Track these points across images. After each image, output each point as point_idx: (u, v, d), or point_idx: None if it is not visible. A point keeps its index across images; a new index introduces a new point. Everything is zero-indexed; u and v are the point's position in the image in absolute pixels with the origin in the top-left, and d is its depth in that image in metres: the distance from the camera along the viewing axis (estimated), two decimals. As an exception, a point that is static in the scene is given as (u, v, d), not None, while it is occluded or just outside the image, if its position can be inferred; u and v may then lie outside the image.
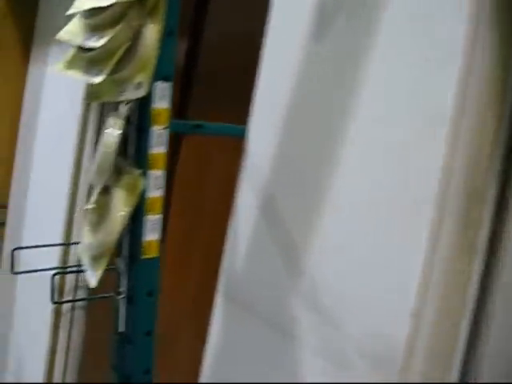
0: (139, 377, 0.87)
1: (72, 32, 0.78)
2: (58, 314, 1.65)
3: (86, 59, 0.77)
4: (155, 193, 0.82)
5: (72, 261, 1.63)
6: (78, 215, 1.61)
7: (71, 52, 0.80)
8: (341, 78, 0.82)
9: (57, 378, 1.68)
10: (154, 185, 0.82)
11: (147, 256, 0.84)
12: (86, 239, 0.82)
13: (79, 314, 1.68)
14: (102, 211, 0.80)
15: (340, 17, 0.81)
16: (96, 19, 0.75)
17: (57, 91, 1.70)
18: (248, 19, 1.17)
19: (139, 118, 0.81)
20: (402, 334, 0.72)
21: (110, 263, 0.82)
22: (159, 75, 0.79)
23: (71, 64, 0.79)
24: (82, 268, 0.89)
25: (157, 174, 0.82)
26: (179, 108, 1.26)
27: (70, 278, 1.64)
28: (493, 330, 0.73)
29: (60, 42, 0.81)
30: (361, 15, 0.79)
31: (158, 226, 0.84)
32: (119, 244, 0.83)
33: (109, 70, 0.74)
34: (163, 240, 0.85)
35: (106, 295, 1.16)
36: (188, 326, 1.25)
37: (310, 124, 0.87)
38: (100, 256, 0.80)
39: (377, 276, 0.77)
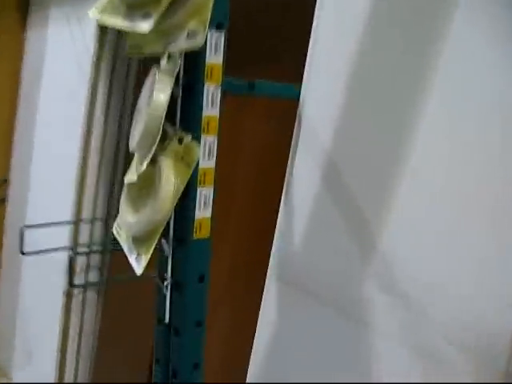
0: (187, 372, 0.76)
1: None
2: (69, 297, 1.53)
3: (128, 3, 0.64)
4: (208, 162, 0.70)
5: (83, 239, 1.50)
6: (89, 190, 1.49)
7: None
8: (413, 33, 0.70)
9: (69, 368, 1.57)
10: (207, 152, 0.70)
11: (199, 236, 0.72)
12: (128, 218, 0.70)
13: (92, 296, 1.56)
14: (146, 185, 0.68)
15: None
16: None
17: (60, 56, 1.56)
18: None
19: (188, 74, 0.68)
20: (501, 324, 0.62)
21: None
22: (212, 22, 0.66)
23: (108, 9, 0.65)
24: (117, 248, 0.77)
25: (209, 140, 0.70)
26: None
27: (80, 258, 1.52)
28: None
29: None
30: None
31: (211, 201, 0.72)
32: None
33: (158, 15, 0.61)
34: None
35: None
36: (219, 314, 1.14)
37: (380, 80, 0.75)
38: (147, 238, 0.68)
39: (465, 256, 0.66)
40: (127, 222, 0.70)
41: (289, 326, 0.83)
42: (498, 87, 0.63)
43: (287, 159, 0.85)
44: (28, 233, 1.46)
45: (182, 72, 0.68)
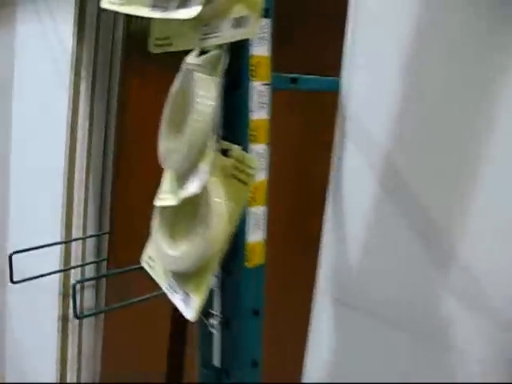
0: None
1: None
2: (65, 321, 1.39)
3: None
4: (258, 175, 0.58)
5: (74, 261, 1.36)
6: (76, 209, 1.34)
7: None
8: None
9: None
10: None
11: (251, 263, 0.60)
12: (167, 250, 0.57)
13: (89, 320, 1.42)
14: (185, 209, 0.56)
15: None
16: None
17: (34, 57, 1.39)
18: None
19: (230, 71, 0.55)
20: None
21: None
22: (256, 7, 0.53)
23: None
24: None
25: (259, 150, 0.58)
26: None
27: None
28: None
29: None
30: None
31: (264, 222, 0.60)
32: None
33: (201, 1, 0.48)
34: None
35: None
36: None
37: (437, 71, 0.64)
38: (195, 273, 0.55)
39: None
40: (166, 255, 0.57)
41: (346, 348, 0.72)
42: None
43: (323, 156, 0.74)
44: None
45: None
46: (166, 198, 0.57)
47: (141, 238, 1.26)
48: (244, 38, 0.50)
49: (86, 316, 0.96)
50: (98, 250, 1.40)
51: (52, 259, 1.35)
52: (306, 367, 0.77)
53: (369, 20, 0.69)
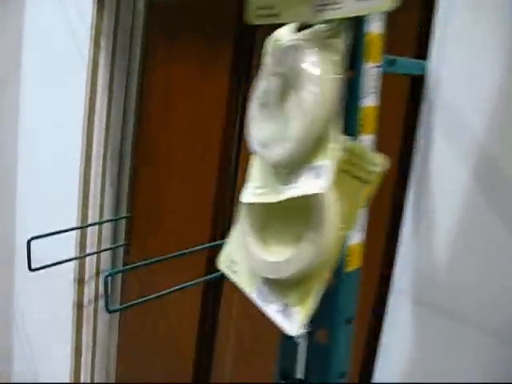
0: None
1: None
2: (79, 309, 1.31)
3: None
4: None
5: (89, 247, 1.28)
6: (93, 193, 1.25)
7: None
8: None
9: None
10: (365, 158, 0.50)
11: (351, 267, 0.53)
12: (261, 254, 0.49)
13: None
14: (293, 209, 0.48)
15: None
16: None
17: (45, 29, 1.28)
18: None
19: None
20: None
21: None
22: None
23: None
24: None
25: (366, 141, 0.50)
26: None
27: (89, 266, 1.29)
28: None
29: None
30: None
31: (364, 222, 0.53)
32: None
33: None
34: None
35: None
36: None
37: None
38: (298, 282, 0.48)
39: None
40: (263, 261, 0.49)
41: (424, 350, 0.66)
42: None
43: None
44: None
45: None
46: (260, 193, 0.49)
47: (161, 223, 1.18)
48: (374, 12, 0.42)
49: (119, 310, 0.88)
50: (115, 235, 1.31)
51: (66, 245, 1.26)
52: (377, 368, 0.71)
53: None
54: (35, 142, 1.33)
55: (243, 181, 0.97)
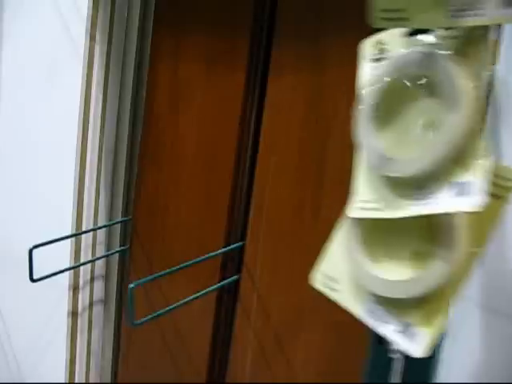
0: None
1: None
2: (74, 318, 1.23)
3: None
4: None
5: (85, 251, 1.20)
6: (87, 193, 1.17)
7: None
8: None
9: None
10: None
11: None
12: (373, 270, 0.47)
13: (98, 313, 1.27)
14: (413, 223, 0.45)
15: None
16: None
17: (39, 20, 1.19)
18: None
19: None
20: None
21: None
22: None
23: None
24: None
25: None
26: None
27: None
28: None
29: None
30: None
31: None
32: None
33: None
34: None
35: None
36: (312, 321, 0.93)
37: None
38: (428, 302, 0.45)
39: None
40: (375, 278, 0.47)
41: (490, 355, 0.66)
42: None
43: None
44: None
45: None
46: (371, 208, 0.46)
47: (165, 226, 1.13)
48: (520, 21, 0.39)
49: (143, 322, 0.83)
50: (109, 239, 1.24)
51: (58, 249, 1.18)
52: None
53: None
54: (24, 139, 1.24)
55: (261, 182, 0.95)
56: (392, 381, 0.54)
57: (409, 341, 0.45)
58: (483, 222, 0.43)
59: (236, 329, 1.02)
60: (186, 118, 1.05)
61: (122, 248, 1.17)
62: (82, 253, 1.20)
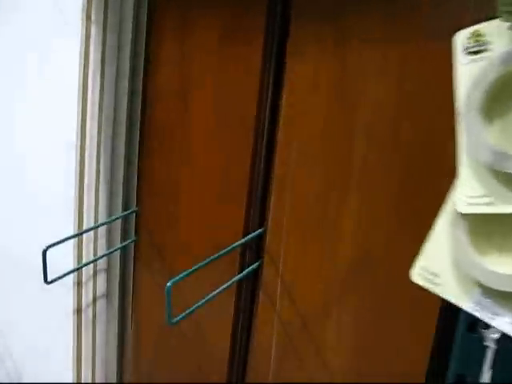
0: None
1: None
2: (79, 315, 1.19)
3: None
4: None
5: (86, 245, 1.15)
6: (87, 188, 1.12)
7: None
8: None
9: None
10: None
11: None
12: (500, 269, 0.46)
13: (101, 307, 1.23)
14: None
15: None
16: None
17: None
18: None
19: None
20: None
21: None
22: None
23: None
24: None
25: None
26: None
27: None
28: None
29: None
30: None
31: None
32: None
33: None
34: None
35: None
36: (341, 307, 0.93)
37: None
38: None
39: None
40: (490, 272, 0.46)
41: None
42: None
43: None
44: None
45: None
46: (484, 203, 0.45)
47: (174, 215, 1.09)
48: None
49: (179, 320, 0.79)
50: (110, 231, 1.20)
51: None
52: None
53: None
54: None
55: (283, 166, 0.93)
56: (483, 369, 0.54)
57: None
58: None
59: (259, 316, 1.01)
60: (198, 97, 1.01)
61: (131, 240, 1.12)
62: (84, 247, 1.15)
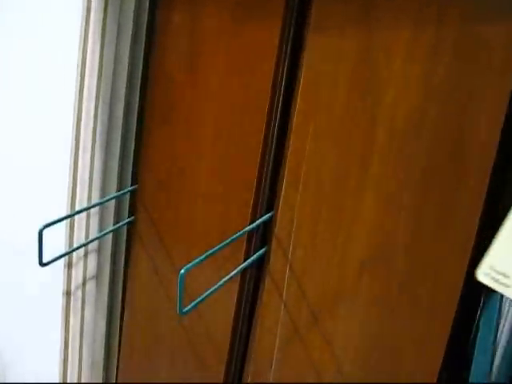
0: None
1: None
2: (68, 298, 1.12)
3: None
4: None
5: (78, 224, 1.08)
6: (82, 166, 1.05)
7: None
8: None
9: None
10: None
11: None
12: None
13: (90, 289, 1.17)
14: None
15: None
16: None
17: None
18: None
19: None
20: None
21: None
22: None
23: None
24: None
25: None
26: None
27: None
28: None
29: None
30: None
31: None
32: None
33: None
34: None
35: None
36: (354, 296, 0.89)
37: None
38: None
39: None
40: None
41: None
42: None
43: None
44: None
45: None
46: None
47: (177, 193, 1.03)
48: None
49: (190, 309, 0.74)
50: (102, 210, 1.13)
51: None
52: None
53: None
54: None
55: (297, 148, 0.87)
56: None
57: None
58: None
59: (264, 305, 0.96)
60: (207, 74, 0.94)
61: (128, 221, 1.06)
62: (76, 226, 1.08)
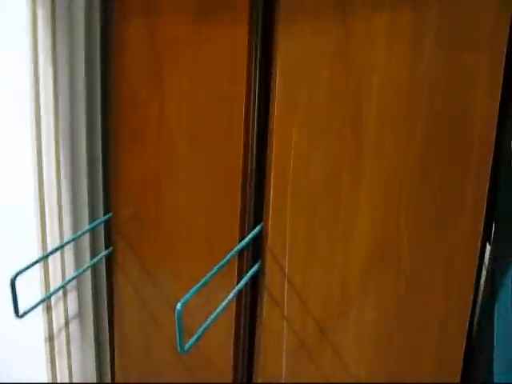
0: None
1: None
2: (51, 343, 1.03)
3: None
4: None
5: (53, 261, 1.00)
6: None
7: None
8: None
9: None
10: None
11: None
12: None
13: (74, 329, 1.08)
14: None
15: None
16: None
17: None
18: None
19: None
20: None
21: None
22: None
23: None
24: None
25: None
26: None
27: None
28: None
29: None
30: None
31: None
32: None
33: None
34: None
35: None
36: (360, 303, 0.83)
37: None
38: None
39: None
40: None
41: None
42: None
43: None
44: None
45: None
46: None
47: (152, 219, 0.95)
48: None
49: (191, 345, 0.66)
50: (77, 242, 1.04)
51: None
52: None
53: None
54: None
55: (282, 152, 0.81)
56: None
57: None
58: None
59: (263, 323, 0.90)
60: (174, 85, 0.87)
61: (106, 252, 0.98)
62: (51, 267, 0.99)
